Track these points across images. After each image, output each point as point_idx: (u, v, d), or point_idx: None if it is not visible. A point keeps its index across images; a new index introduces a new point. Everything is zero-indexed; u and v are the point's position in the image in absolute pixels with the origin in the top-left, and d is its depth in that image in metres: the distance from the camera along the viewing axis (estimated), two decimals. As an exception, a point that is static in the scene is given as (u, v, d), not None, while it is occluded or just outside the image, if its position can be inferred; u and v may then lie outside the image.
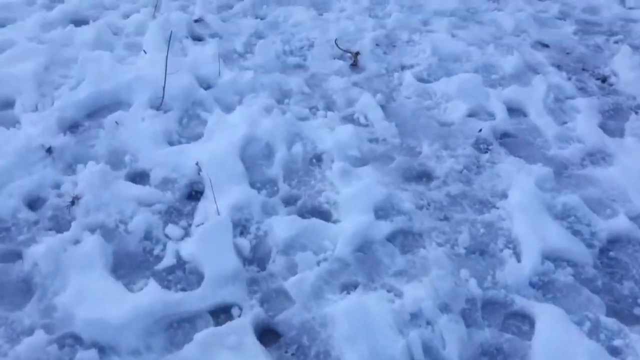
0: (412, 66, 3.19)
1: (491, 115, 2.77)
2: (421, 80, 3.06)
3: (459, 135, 2.63)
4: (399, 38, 3.47)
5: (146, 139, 2.53)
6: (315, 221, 2.12)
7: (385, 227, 2.10)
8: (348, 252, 2.00)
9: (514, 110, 2.81)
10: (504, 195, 2.29)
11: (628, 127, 2.67)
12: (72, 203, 2.19)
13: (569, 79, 3.05)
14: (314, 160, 2.50)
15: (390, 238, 2.10)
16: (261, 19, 3.75)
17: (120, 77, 2.88)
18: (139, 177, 2.39)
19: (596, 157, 2.51)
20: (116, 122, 2.62)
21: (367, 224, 2.08)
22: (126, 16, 3.64)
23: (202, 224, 2.09)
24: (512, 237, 2.11)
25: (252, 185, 2.35)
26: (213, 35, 3.51)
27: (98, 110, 2.76)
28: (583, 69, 3.16)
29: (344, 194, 2.25)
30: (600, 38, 3.46)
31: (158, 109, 2.75)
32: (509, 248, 2.07)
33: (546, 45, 3.39)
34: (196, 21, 3.63)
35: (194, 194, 2.34)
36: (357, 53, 3.27)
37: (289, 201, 2.29)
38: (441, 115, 2.78)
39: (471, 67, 3.14)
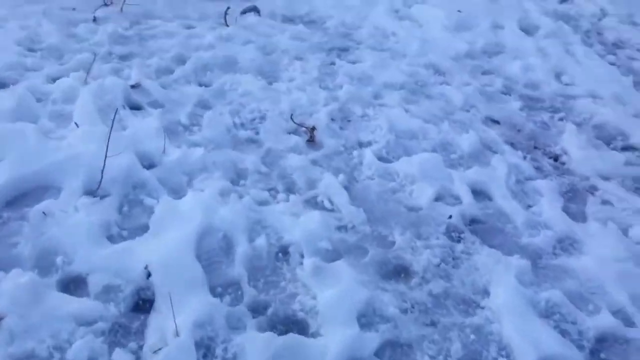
0: (370, 143, 3.08)
1: (457, 199, 2.69)
2: (381, 159, 2.94)
3: (429, 222, 2.50)
4: (352, 112, 3.36)
5: (81, 235, 2.16)
6: (293, 338, 1.84)
7: (372, 340, 1.88)
8: (335, 377, 1.74)
9: (478, 193, 2.75)
10: (486, 292, 2.17)
11: (589, 211, 2.70)
12: (-10, 326, 1.76)
13: (524, 158, 3.08)
14: (281, 255, 2.25)
15: (379, 352, 1.87)
16: (205, 86, 3.51)
17: (49, 156, 2.49)
18: (75, 285, 2.00)
19: (565, 244, 2.48)
20: (44, 213, 2.22)
21: (352, 339, 1.85)
22: (52, 80, 3.25)
23: (160, 349, 1.75)
24: (503, 342, 1.96)
25: (212, 290, 2.04)
26: (153, 104, 3.21)
27: (20, 197, 2.34)
28: (535, 147, 3.21)
29: (321, 300, 2.00)
30: (545, 114, 3.57)
31: (94, 195, 2.38)
32: (502, 356, 1.92)
33: (496, 122, 3.44)
34: (133, 87, 3.31)
35: (142, 303, 1.99)
36: (313, 128, 3.11)
37: (256, 309, 2.00)
38: (408, 199, 2.65)
39: (429, 145, 3.08)
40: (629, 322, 2.09)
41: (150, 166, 2.65)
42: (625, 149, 3.29)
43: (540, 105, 3.71)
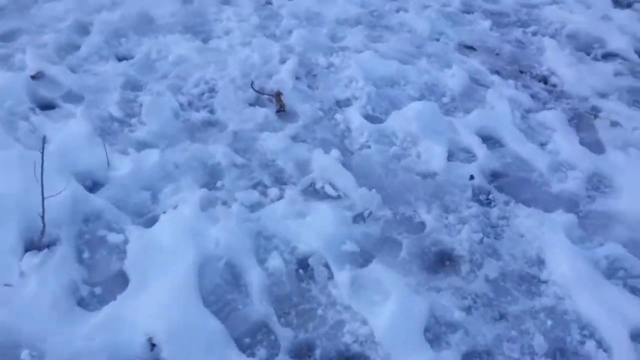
0: (349, 100, 2.62)
1: (469, 153, 2.36)
2: (369, 118, 2.51)
3: (451, 188, 2.17)
4: (316, 64, 2.85)
5: (43, 312, 1.59)
6: (365, 388, 1.49)
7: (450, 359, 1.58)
8: None
9: (487, 140, 2.43)
10: (542, 262, 1.92)
11: (603, 137, 2.49)
12: None
13: (516, 87, 2.79)
14: (302, 272, 1.83)
15: (461, 373, 1.58)
16: (126, 59, 2.80)
17: (-46, 207, 1.81)
18: (56, 387, 1.48)
19: (595, 182, 2.27)
20: (-24, 294, 1.61)
21: (433, 369, 1.53)
22: None
23: None
24: (582, 321, 1.74)
25: (238, 343, 1.61)
26: (69, 97, 2.50)
27: None
28: (521, 72, 2.92)
29: (376, 324, 1.64)
30: (517, 31, 3.27)
31: (39, 248, 1.77)
32: (587, 337, 1.70)
33: (472, 48, 3.09)
34: (34, 78, 2.55)
35: (154, 385, 1.52)
36: (279, 93, 2.59)
37: (301, 354, 1.61)
38: (417, 164, 2.28)
39: (415, 90, 2.69)
40: (690, 262, 1.94)
41: (96, 188, 2.05)
42: (606, 57, 3.10)
43: (507, 21, 3.39)
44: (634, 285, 1.86)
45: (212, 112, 2.52)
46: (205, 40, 2.99)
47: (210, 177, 2.16)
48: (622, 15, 3.49)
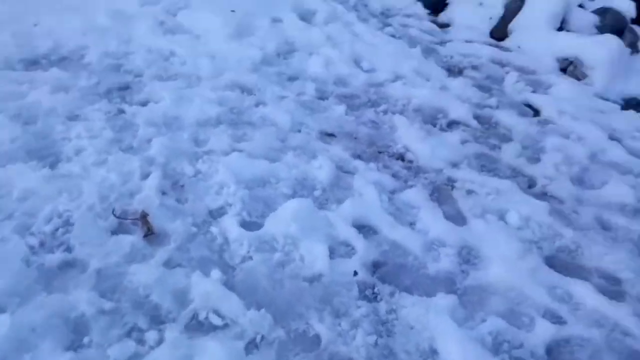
0: (223, 209, 2.54)
1: (348, 246, 2.39)
2: (246, 225, 2.45)
3: (338, 289, 2.16)
4: (181, 173, 2.74)
5: None
6: None
7: None
8: None
9: (362, 229, 2.49)
10: (434, 352, 1.96)
11: (462, 207, 2.69)
12: None
13: (378, 169, 2.92)
14: None
15: None
16: (-41, 203, 2.45)
17: None
18: None
19: (465, 255, 2.42)
20: None
21: None
22: None
23: None
24: (482, 409, 1.79)
25: None
26: None
27: None
28: (379, 152, 3.09)
29: None
30: (369, 112, 3.47)
31: None
32: None
33: (332, 135, 3.21)
34: None
35: None
36: (145, 215, 2.42)
37: None
38: (302, 268, 2.25)
39: (287, 188, 2.69)
40: (559, 320, 2.12)
41: None
42: (450, 126, 3.41)
43: (359, 103, 3.60)
44: (518, 356, 1.97)
45: (69, 250, 2.26)
46: (53, 166, 2.73)
47: (75, 334, 1.91)
48: (456, 84, 3.91)
